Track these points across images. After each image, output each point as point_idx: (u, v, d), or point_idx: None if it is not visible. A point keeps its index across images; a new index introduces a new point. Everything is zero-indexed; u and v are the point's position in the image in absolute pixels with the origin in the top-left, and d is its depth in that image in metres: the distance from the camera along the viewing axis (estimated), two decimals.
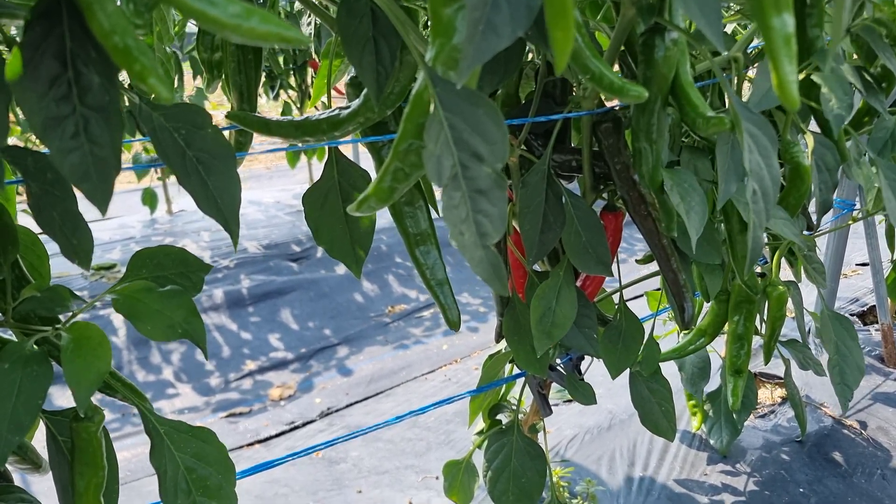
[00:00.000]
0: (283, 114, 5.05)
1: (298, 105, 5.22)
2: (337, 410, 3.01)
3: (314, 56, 4.47)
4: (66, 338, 0.74)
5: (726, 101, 1.04)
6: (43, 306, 0.78)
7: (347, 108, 1.04)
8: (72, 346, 0.73)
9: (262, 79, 5.29)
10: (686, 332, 1.77)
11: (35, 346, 0.73)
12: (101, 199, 0.61)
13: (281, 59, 4.99)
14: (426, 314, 4.35)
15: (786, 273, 1.75)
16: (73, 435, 0.81)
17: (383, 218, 4.72)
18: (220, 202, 0.84)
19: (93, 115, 0.59)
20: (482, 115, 0.73)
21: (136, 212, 5.84)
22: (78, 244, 0.76)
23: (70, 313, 0.81)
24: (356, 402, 3.07)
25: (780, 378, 2.51)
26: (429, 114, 0.73)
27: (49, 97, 0.58)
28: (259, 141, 9.85)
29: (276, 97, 5.18)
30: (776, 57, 0.66)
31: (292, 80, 5.18)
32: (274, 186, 7.17)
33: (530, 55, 1.40)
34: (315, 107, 1.95)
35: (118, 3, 0.69)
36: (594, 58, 0.92)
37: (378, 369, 3.58)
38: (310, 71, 4.81)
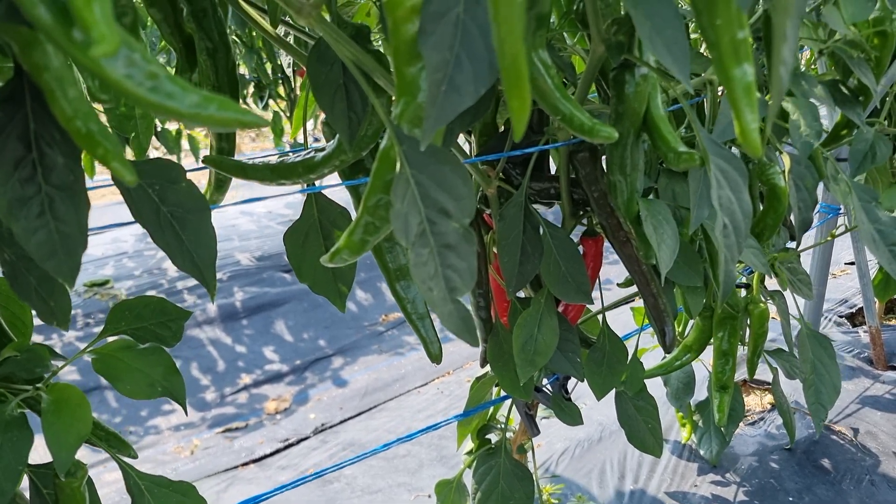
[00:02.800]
0: (273, 122, 5.05)
1: (288, 114, 5.22)
2: (331, 426, 3.02)
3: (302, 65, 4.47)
4: (46, 399, 0.75)
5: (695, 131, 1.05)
6: (22, 368, 0.79)
7: (322, 150, 1.05)
8: (52, 408, 0.74)
9: (251, 89, 5.30)
10: None
11: (17, 410, 0.74)
12: (69, 275, 0.62)
13: (269, 69, 5.00)
14: None
15: (775, 281, 1.76)
16: (56, 490, 0.82)
17: None
18: (196, 257, 0.85)
19: (58, 194, 0.60)
20: (448, 171, 0.74)
21: (130, 225, 5.82)
22: (56, 306, 0.77)
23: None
24: (350, 418, 3.08)
25: (770, 384, 2.53)
26: (395, 170, 0.74)
27: (14, 178, 0.59)
28: (251, 148, 9.84)
29: (266, 107, 5.18)
30: (738, 106, 0.67)
31: (281, 90, 5.19)
32: (266, 195, 7.17)
33: None
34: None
35: (80, 83, 0.70)
36: (564, 99, 0.93)
37: (373, 380, 3.58)
38: (299, 80, 4.82)
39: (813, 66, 2.96)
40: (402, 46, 0.69)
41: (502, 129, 1.39)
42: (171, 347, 0.90)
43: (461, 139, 1.46)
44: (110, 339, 0.87)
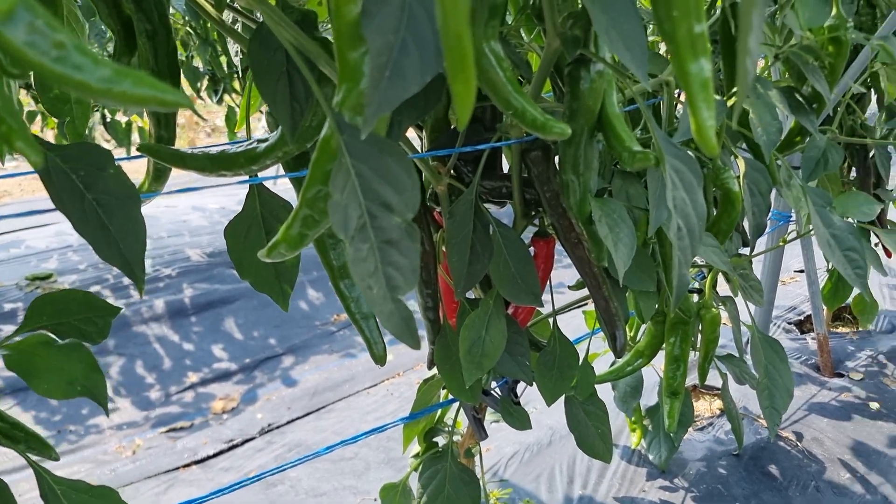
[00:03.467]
0: (227, 117, 4.95)
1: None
2: (278, 427, 2.95)
3: None
4: None
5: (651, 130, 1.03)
6: None
7: (265, 141, 1.00)
8: None
9: (206, 82, 5.20)
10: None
11: None
12: None
13: (224, 62, 4.90)
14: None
15: (727, 287, 1.75)
16: None
17: None
18: (124, 248, 0.80)
19: None
20: (392, 163, 0.71)
21: None
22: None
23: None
24: (298, 418, 3.02)
25: (720, 389, 2.53)
26: (336, 160, 0.70)
27: None
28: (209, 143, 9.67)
29: (220, 101, 5.08)
30: (694, 102, 0.64)
31: (237, 84, 5.09)
32: (218, 192, 7.05)
33: None
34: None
35: None
36: (516, 93, 0.90)
37: (323, 380, 3.52)
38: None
39: (766, 73, 2.98)
40: (345, 28, 0.65)
41: (455, 125, 1.36)
42: (96, 344, 0.85)
43: (413, 135, 1.43)
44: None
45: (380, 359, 1.19)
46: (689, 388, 2.65)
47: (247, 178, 1.06)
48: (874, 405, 2.63)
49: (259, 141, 1.02)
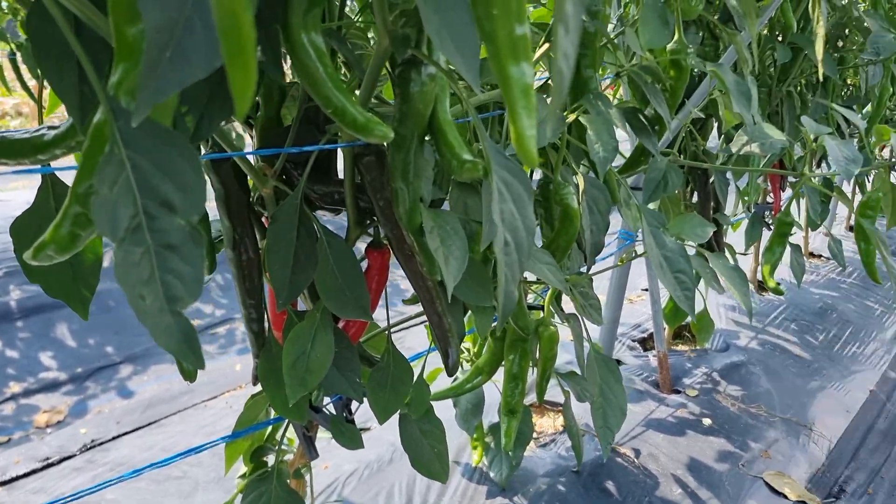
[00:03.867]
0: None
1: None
2: (102, 443, 2.73)
3: None
4: None
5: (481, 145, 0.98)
6: None
7: (56, 128, 0.89)
8: None
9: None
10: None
11: None
12: None
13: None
14: (221, 330, 4.12)
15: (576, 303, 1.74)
16: None
17: None
18: None
19: None
20: (175, 156, 0.62)
21: None
22: None
23: None
24: (126, 434, 2.81)
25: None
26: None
27: None
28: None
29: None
30: (513, 109, 0.59)
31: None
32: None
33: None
34: None
35: None
36: (337, 90, 0.83)
37: (163, 391, 3.32)
38: None
39: (620, 96, 3.06)
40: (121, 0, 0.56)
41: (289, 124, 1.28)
42: None
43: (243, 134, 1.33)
44: None
45: (189, 375, 1.09)
46: (534, 405, 2.65)
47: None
48: (707, 421, 2.72)
49: (50, 128, 0.90)
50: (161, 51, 0.52)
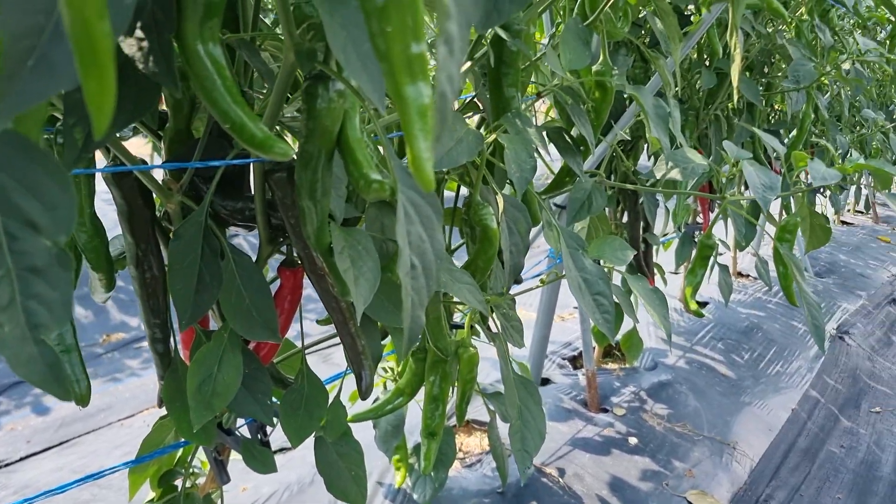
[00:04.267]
0: None
1: None
2: (9, 464, 2.61)
3: None
4: None
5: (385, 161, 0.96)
6: None
7: None
8: None
9: None
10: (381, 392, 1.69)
11: None
12: None
13: None
14: (144, 345, 4.00)
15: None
16: None
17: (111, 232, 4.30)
18: None
19: None
20: (42, 173, 0.58)
21: None
22: None
23: None
24: (35, 454, 2.69)
25: None
26: None
27: None
28: None
29: None
30: (410, 131, 0.56)
31: None
32: None
33: None
34: None
35: None
36: (235, 104, 0.79)
37: (80, 408, 3.19)
38: None
39: (553, 116, 3.07)
40: None
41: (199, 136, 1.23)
42: None
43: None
44: None
45: (82, 399, 1.03)
46: (455, 426, 2.62)
47: None
48: (633, 440, 2.74)
49: None
50: (23, 59, 0.48)
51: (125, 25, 0.58)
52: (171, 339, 1.23)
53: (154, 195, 1.13)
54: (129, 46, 0.77)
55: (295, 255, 1.21)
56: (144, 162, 1.07)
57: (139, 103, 0.85)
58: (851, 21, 3.47)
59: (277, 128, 1.22)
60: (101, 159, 1.15)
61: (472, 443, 2.55)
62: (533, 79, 1.73)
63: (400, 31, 0.55)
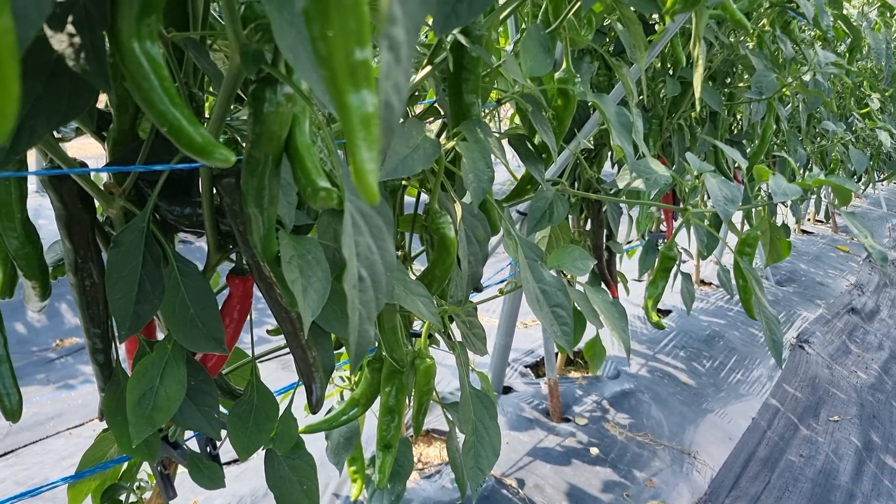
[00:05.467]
0: None
1: None
2: None
3: None
4: None
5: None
6: None
7: None
8: None
9: None
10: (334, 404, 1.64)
11: None
12: None
13: None
14: None
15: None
16: None
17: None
18: None
19: None
20: None
21: None
22: None
23: None
24: None
25: None
26: None
27: None
28: None
29: None
30: (353, 141, 0.52)
31: None
32: None
33: None
34: None
35: None
36: (174, 106, 0.75)
37: (30, 415, 3.09)
38: None
39: (517, 123, 3.04)
40: None
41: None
42: None
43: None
44: None
45: (12, 413, 0.98)
46: (421, 434, 2.59)
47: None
48: (594, 450, 2.72)
49: None
50: None
51: (40, 19, 0.54)
52: (113, 350, 1.17)
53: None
54: (60, 42, 0.73)
55: (245, 263, 1.17)
56: (84, 164, 1.03)
57: (74, 102, 0.80)
58: (812, 34, 3.51)
59: (230, 133, 1.18)
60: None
61: (431, 453, 2.52)
62: (497, 85, 1.70)
63: (342, 36, 0.52)
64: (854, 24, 3.45)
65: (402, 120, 1.21)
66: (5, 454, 2.67)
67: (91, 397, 3.29)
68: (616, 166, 2.92)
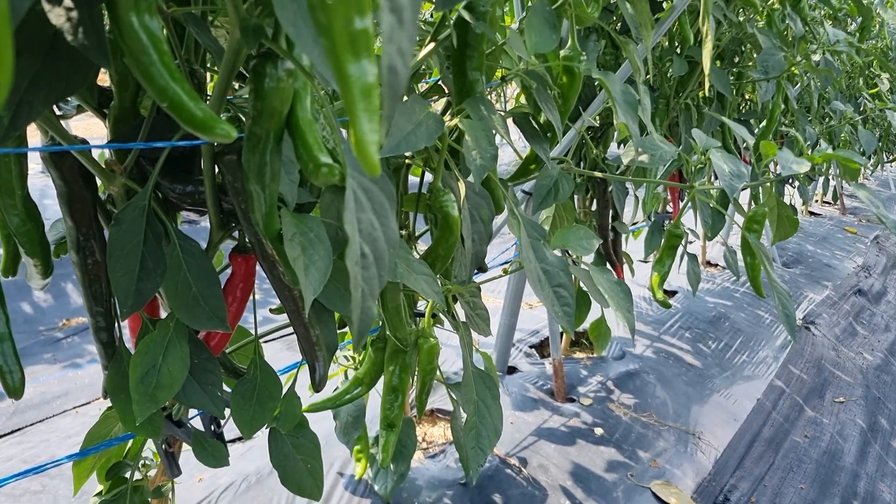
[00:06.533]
0: None
1: None
2: None
3: None
4: None
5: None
6: None
7: None
8: None
9: None
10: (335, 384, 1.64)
11: None
12: None
13: None
14: None
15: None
16: None
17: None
18: None
19: None
20: None
21: None
22: None
23: None
24: None
25: None
26: None
27: None
28: None
29: None
30: (353, 112, 0.52)
31: None
32: None
33: None
34: None
35: None
36: (173, 81, 0.74)
37: (37, 394, 3.11)
38: None
39: (522, 102, 3.03)
40: None
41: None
42: None
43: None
44: None
45: (15, 391, 0.98)
46: (426, 413, 2.59)
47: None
48: (599, 431, 2.72)
49: None
50: None
51: None
52: (116, 328, 1.17)
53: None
54: (57, 16, 0.72)
55: (247, 241, 1.17)
56: (84, 141, 1.02)
57: (72, 78, 0.80)
58: (822, 11, 3.47)
59: (233, 111, 1.17)
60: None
61: (436, 432, 2.52)
62: (502, 63, 1.69)
63: (342, 4, 0.51)
64: (865, 2, 3.41)
65: (405, 97, 1.20)
66: (12, 432, 2.68)
67: (97, 376, 3.30)
68: (621, 146, 2.90)
